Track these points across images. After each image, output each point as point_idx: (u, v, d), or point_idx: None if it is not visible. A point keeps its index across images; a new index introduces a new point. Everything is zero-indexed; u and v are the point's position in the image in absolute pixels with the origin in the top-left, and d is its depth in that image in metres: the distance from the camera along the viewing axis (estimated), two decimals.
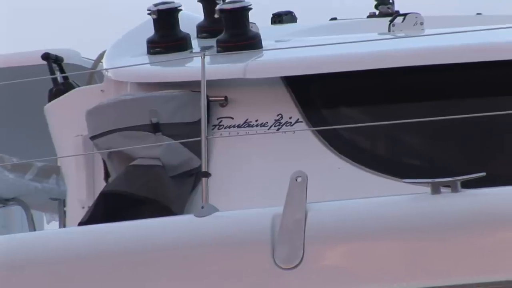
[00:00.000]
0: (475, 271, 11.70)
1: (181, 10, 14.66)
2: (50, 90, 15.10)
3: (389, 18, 15.40)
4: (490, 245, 11.86)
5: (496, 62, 13.32)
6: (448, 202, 12.14)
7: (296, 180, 11.67)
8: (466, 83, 13.76)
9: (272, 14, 15.93)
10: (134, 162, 13.91)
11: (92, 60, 15.67)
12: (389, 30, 15.19)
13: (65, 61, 15.45)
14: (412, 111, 13.83)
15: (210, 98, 13.42)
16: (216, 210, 12.33)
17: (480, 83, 13.72)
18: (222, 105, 13.71)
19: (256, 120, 13.64)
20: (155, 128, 13.95)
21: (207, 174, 12.87)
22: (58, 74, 15.26)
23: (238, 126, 13.72)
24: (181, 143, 13.80)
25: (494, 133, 13.69)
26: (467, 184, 11.95)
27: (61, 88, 15.10)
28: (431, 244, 11.88)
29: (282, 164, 13.06)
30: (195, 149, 13.50)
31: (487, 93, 13.69)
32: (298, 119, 13.55)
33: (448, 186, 11.82)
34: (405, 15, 15.29)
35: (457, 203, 12.11)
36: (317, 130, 13.44)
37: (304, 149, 13.41)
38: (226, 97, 13.64)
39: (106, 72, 14.67)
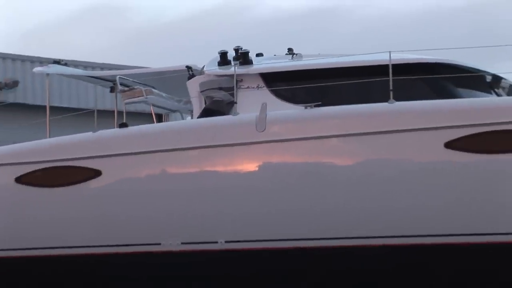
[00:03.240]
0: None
1: (227, 52, 15.47)
2: (188, 77, 15.77)
3: (293, 55, 15.94)
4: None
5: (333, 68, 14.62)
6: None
7: (263, 105, 13.90)
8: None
9: (256, 54, 15.93)
10: (214, 99, 15.14)
11: (199, 68, 15.81)
12: (291, 58, 15.74)
13: (192, 68, 15.85)
14: (298, 82, 14.69)
15: (237, 79, 14.60)
16: (238, 114, 14.33)
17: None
18: (241, 81, 14.75)
19: (251, 86, 14.80)
20: (221, 88, 15.01)
21: (235, 103, 14.67)
22: (190, 72, 15.83)
23: (245, 88, 14.78)
24: (229, 93, 14.90)
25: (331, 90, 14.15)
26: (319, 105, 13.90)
27: (190, 76, 15.71)
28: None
29: (259, 100, 14.20)
30: (232, 94, 14.70)
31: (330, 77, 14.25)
32: (263, 86, 14.70)
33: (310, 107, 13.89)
34: (296, 54, 15.94)
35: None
36: (270, 89, 14.64)
37: (265, 95, 14.53)
38: (242, 79, 14.73)
39: (205, 71, 15.46)
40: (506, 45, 13.91)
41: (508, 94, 15.09)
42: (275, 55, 15.97)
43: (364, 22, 40.90)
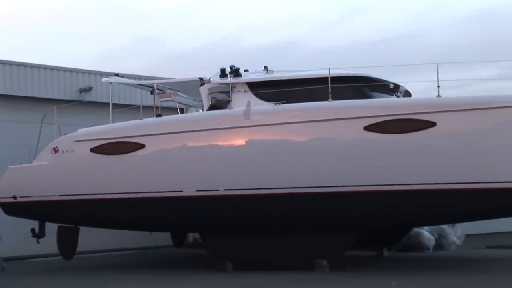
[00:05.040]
0: None
1: (225, 68, 14.79)
2: (200, 85, 15.05)
3: (267, 71, 15.22)
4: None
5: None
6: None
7: (248, 102, 13.71)
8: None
9: (244, 69, 15.07)
10: (217, 98, 14.72)
11: (208, 78, 15.09)
12: (266, 73, 15.09)
13: (203, 78, 15.11)
14: (271, 88, 14.26)
15: (231, 86, 14.27)
16: (232, 108, 14.03)
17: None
18: (234, 87, 14.33)
19: (241, 90, 14.26)
20: (221, 91, 14.69)
21: (230, 101, 14.24)
22: (201, 81, 15.04)
23: (237, 91, 14.26)
24: (226, 95, 14.42)
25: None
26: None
27: (202, 84, 14.99)
28: None
29: (245, 100, 13.89)
30: (229, 96, 14.32)
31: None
32: (248, 90, 14.20)
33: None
34: (269, 70, 15.23)
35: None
36: (253, 93, 14.18)
37: (250, 96, 14.04)
38: (235, 86, 14.33)
39: (211, 80, 14.92)
40: (405, 64, 14.09)
41: (404, 96, 14.98)
42: (256, 70, 15.67)
43: (315, 49, 41.21)
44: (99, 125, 15.60)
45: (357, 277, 12.62)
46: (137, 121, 15.14)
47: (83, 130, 15.42)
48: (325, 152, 13.17)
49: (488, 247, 18.68)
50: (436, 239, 18.20)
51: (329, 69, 13.59)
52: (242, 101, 14.22)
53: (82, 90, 19.93)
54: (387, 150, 12.74)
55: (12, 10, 41.68)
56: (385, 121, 12.66)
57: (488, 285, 11.24)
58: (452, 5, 42.71)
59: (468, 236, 19.08)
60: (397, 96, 14.69)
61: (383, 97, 14.19)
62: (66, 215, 15.32)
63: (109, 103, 15.59)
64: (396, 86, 14.70)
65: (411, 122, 12.51)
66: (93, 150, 14.77)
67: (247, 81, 14.69)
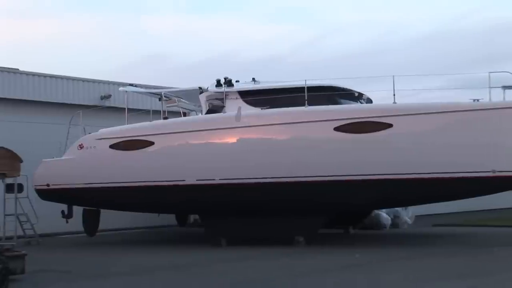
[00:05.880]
0: None
1: (220, 79, 14.41)
2: (199, 93, 14.79)
3: (255, 81, 14.85)
4: None
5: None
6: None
7: (239, 108, 13.48)
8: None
9: (235, 80, 14.63)
10: (213, 104, 14.42)
11: (206, 88, 14.76)
12: (254, 83, 14.77)
13: (202, 87, 14.83)
14: (257, 95, 13.97)
15: (225, 94, 14.05)
16: (226, 112, 13.65)
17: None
18: (227, 95, 14.05)
19: (233, 97, 14.01)
20: (217, 98, 14.40)
21: (224, 106, 14.00)
22: (200, 90, 14.78)
23: (230, 98, 14.04)
24: (221, 101, 14.16)
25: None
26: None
27: (201, 92, 14.60)
28: None
29: (237, 105, 13.70)
30: (223, 102, 14.11)
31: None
32: (240, 97, 13.89)
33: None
34: (257, 80, 14.92)
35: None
36: (243, 99, 13.85)
37: (240, 103, 13.81)
38: (228, 94, 14.08)
39: (209, 89, 14.63)
40: (367, 77, 13.82)
41: (366, 102, 14.82)
42: (245, 81, 15.39)
43: (295, 63, 41.37)
44: (117, 126, 15.38)
45: (328, 250, 12.60)
46: (148, 122, 14.99)
47: (104, 130, 15.20)
48: (302, 149, 13.06)
49: (434, 225, 18.67)
50: (392, 219, 18.15)
51: (305, 80, 13.53)
52: (234, 106, 13.97)
53: (103, 97, 19.73)
54: (353, 146, 12.68)
55: (46, 34, 41.57)
56: (351, 123, 12.63)
57: (434, 255, 11.22)
58: (406, 28, 43.67)
59: (418, 216, 19.00)
60: (361, 103, 14.60)
61: (350, 103, 14.14)
62: (90, 200, 15.18)
63: (125, 108, 15.38)
64: (360, 94, 14.61)
65: (372, 124, 12.60)
66: (112, 146, 14.56)
67: (238, 90, 14.52)
